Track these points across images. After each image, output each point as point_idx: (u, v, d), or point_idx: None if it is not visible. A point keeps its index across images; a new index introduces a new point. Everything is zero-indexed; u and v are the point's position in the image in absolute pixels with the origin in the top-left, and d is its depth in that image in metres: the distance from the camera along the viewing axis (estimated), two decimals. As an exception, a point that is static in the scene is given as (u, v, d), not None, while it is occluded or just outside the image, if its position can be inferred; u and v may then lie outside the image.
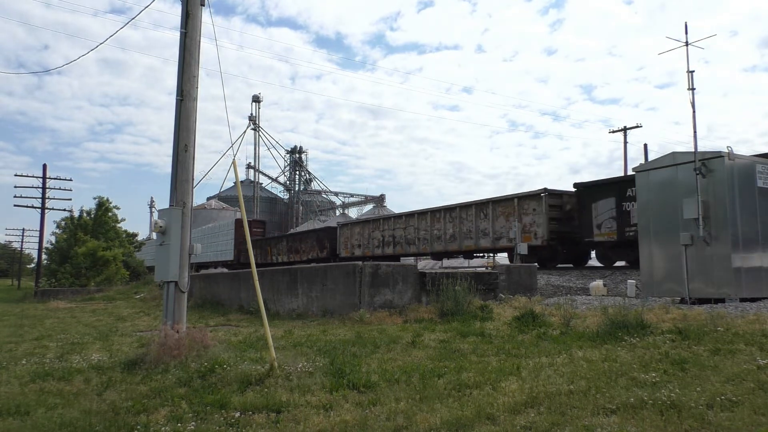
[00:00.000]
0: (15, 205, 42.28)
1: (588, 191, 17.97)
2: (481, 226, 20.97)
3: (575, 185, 18.76)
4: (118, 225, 45.92)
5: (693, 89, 10.80)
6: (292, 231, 38.79)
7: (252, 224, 38.65)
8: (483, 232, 20.92)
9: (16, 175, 61.39)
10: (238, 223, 37.39)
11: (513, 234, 18.70)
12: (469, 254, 24.11)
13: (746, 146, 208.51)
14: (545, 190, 19.01)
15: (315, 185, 78.96)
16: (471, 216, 21.55)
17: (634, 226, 15.69)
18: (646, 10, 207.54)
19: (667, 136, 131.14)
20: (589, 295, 13.62)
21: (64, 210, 43.71)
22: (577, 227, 18.33)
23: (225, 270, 30.09)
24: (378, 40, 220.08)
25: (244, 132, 66.16)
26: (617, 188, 17.01)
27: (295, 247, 32.37)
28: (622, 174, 30.93)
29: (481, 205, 21.24)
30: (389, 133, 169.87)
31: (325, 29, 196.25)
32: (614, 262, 18.52)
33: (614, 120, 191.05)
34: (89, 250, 37.42)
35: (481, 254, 24.38)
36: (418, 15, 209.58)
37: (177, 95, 8.26)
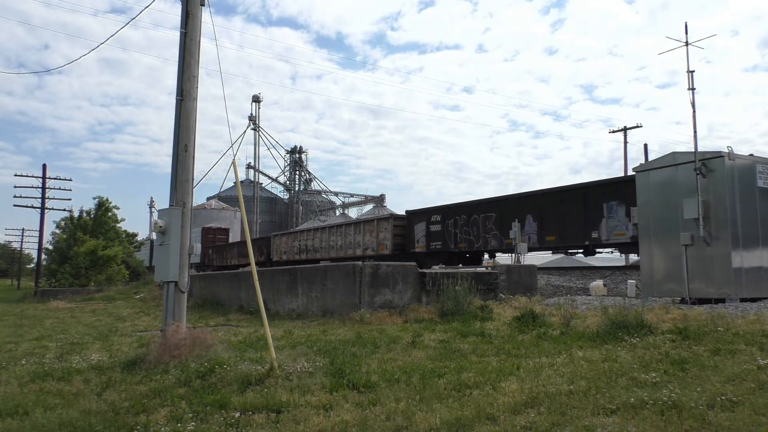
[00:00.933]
0: (15, 205, 42.33)
1: (412, 217, 23.90)
2: (356, 239, 27.16)
3: (406, 212, 24.46)
4: (118, 225, 45.94)
5: (693, 89, 10.80)
6: (237, 240, 44.06)
7: (217, 231, 46.51)
8: (357, 243, 26.88)
9: (15, 175, 61.38)
10: (205, 231, 45.29)
11: (512, 235, 18.77)
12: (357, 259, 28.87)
13: (747, 146, 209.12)
14: (392, 215, 26.29)
15: (315, 185, 78.99)
16: (351, 232, 27.77)
17: (438, 242, 22.05)
18: (647, 10, 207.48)
19: (668, 136, 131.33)
20: (590, 295, 13.63)
21: (64, 210, 43.74)
22: (407, 242, 24.16)
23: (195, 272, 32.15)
24: (379, 40, 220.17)
25: (244, 132, 66.13)
26: (426, 216, 22.96)
27: (243, 252, 36.97)
28: (622, 174, 33.02)
29: (357, 224, 27.83)
30: (390, 133, 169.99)
31: (325, 29, 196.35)
32: (429, 266, 18.01)
33: (615, 120, 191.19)
34: (89, 249, 37.43)
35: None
36: (419, 15, 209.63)
37: (177, 95, 8.27)
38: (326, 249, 29.35)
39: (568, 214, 17.16)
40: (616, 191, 15.73)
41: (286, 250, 33.65)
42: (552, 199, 17.89)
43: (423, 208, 23.63)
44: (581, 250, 17.96)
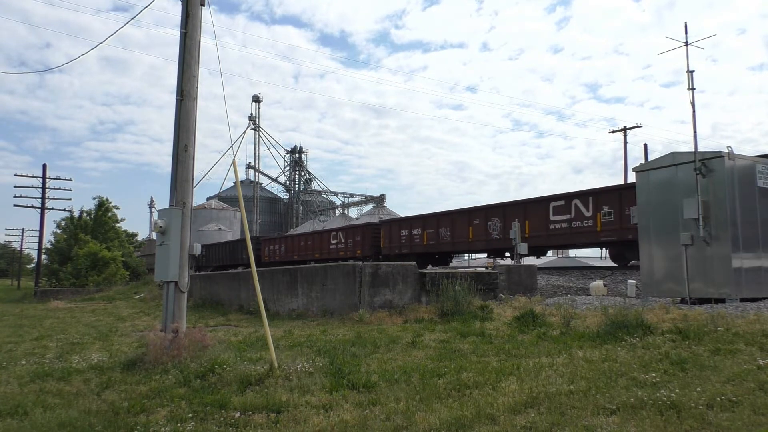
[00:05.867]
0: (15, 205, 42.33)
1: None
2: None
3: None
4: (118, 225, 45.96)
5: (693, 89, 10.79)
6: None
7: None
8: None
9: (15, 175, 61.42)
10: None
11: (513, 235, 18.76)
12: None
13: (750, 146, 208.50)
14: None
15: (315, 185, 78.98)
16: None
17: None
18: (653, 8, 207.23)
19: (671, 135, 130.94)
20: (589, 295, 13.62)
21: (64, 210, 43.78)
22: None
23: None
24: (382, 39, 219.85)
25: (244, 132, 66.12)
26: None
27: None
28: (622, 174, 32.52)
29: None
30: (392, 133, 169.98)
31: (329, 27, 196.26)
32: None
33: (619, 119, 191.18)
34: (90, 252, 37.47)
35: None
36: (423, 13, 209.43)
37: (177, 95, 8.26)
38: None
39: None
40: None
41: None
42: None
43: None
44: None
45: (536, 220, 19.75)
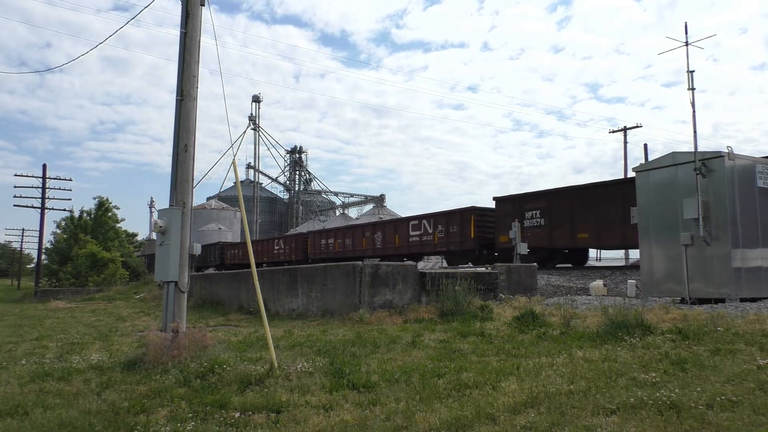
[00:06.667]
0: (15, 205, 42.31)
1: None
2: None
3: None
4: (118, 225, 45.94)
5: (693, 89, 10.80)
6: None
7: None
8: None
9: (15, 175, 61.37)
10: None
11: (513, 234, 18.77)
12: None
13: (751, 145, 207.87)
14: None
15: (315, 185, 78.99)
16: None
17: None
18: (655, 7, 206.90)
19: (672, 135, 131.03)
20: (589, 295, 13.62)
21: (64, 210, 43.74)
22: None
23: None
24: (383, 38, 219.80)
25: (244, 132, 66.10)
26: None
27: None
28: (622, 174, 33.02)
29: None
30: (393, 132, 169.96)
31: (330, 27, 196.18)
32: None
33: (620, 119, 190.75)
34: (89, 252, 37.48)
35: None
36: (424, 12, 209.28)
37: (177, 95, 8.26)
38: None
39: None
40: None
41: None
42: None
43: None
44: None
45: (402, 234, 26.79)
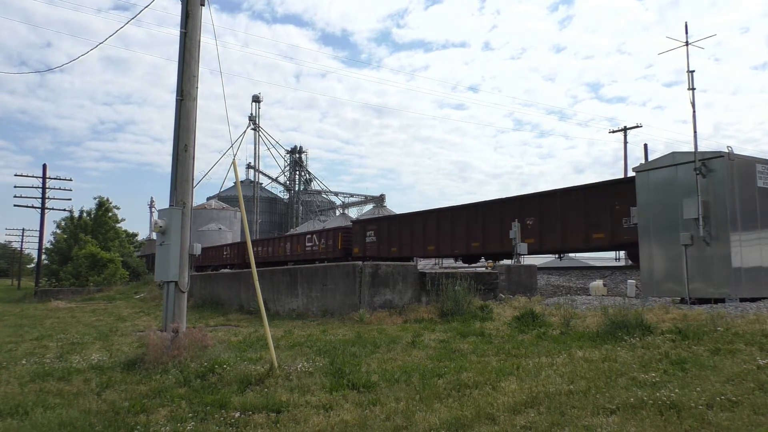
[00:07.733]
0: (15, 205, 42.33)
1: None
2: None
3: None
4: (118, 225, 45.96)
5: (693, 89, 10.80)
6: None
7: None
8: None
9: (16, 175, 61.42)
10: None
11: (513, 234, 18.78)
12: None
13: (753, 145, 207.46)
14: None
15: (315, 185, 78.99)
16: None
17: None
18: (657, 7, 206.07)
19: (673, 135, 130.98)
20: (589, 295, 13.62)
21: (64, 210, 43.78)
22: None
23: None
24: (384, 38, 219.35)
25: (244, 132, 66.02)
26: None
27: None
28: (623, 174, 33.31)
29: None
30: (393, 132, 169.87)
31: (331, 26, 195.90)
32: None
33: (621, 118, 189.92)
34: (89, 253, 37.49)
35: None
36: (425, 12, 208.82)
37: (177, 95, 8.27)
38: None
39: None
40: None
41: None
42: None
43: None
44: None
45: (302, 245, 34.16)
